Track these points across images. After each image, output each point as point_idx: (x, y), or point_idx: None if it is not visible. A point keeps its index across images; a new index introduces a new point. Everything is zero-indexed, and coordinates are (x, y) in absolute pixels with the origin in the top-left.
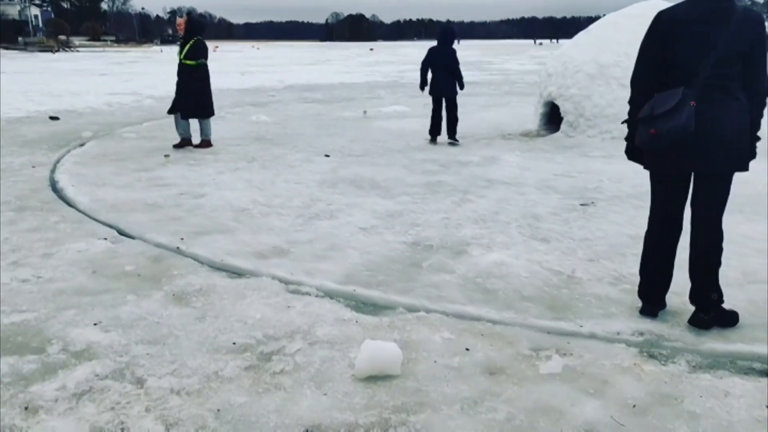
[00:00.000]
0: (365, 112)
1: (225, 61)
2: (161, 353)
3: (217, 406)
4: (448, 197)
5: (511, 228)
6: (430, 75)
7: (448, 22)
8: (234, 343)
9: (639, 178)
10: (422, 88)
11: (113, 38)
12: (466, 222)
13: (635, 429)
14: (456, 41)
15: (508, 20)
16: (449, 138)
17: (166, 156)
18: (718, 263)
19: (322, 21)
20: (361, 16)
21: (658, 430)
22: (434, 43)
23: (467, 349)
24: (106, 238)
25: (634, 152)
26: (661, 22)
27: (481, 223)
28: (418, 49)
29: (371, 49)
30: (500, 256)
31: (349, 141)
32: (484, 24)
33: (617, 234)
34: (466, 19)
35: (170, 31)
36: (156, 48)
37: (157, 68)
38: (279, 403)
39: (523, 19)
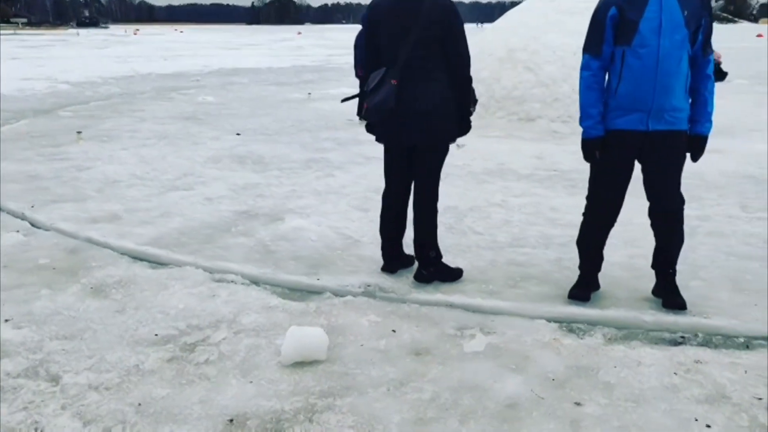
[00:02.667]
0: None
1: (146, 45)
2: (78, 348)
3: (137, 400)
4: (316, 172)
5: (345, 200)
6: None
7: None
8: (156, 335)
9: (508, 156)
10: (357, 71)
11: (24, 20)
12: (308, 194)
13: (554, 401)
14: None
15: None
16: None
17: (78, 133)
18: (434, 225)
19: (248, 4)
20: (288, 0)
21: (575, 400)
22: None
23: (394, 331)
24: (18, 231)
25: (368, 126)
26: (370, 9)
27: (323, 195)
28: (346, 32)
29: (298, 33)
30: (305, 222)
31: (273, 120)
32: None
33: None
34: None
35: (87, 14)
36: (72, 31)
37: (73, 52)
38: (203, 394)
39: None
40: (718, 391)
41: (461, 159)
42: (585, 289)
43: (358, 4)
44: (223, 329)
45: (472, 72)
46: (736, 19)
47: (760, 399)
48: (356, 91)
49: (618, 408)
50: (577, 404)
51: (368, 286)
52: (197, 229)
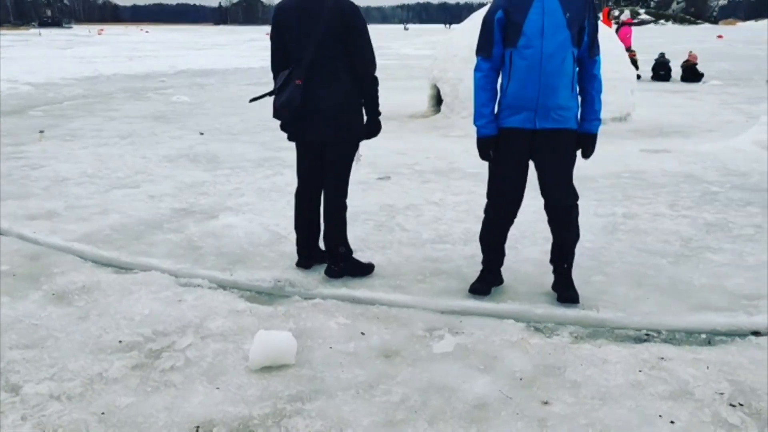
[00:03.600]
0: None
1: (111, 45)
2: (39, 357)
3: (101, 409)
4: (266, 171)
5: (286, 198)
6: None
7: None
8: (120, 342)
9: (461, 155)
10: None
11: None
12: (251, 192)
13: (522, 400)
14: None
15: (403, 5)
16: None
17: (41, 132)
18: (343, 221)
19: (215, 4)
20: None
21: (542, 399)
22: None
23: (362, 334)
24: None
25: (282, 126)
26: (276, 11)
27: (265, 193)
28: None
29: (267, 34)
30: (237, 219)
31: (240, 120)
32: (380, 9)
33: (372, 204)
34: (362, 4)
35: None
36: (34, 31)
37: (36, 52)
38: (169, 401)
39: (418, 4)
40: (681, 388)
41: (414, 158)
42: (485, 283)
43: None
44: (190, 334)
45: (440, 72)
46: (697, 20)
47: (722, 394)
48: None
49: (585, 406)
50: (545, 403)
51: (278, 281)
52: (130, 226)
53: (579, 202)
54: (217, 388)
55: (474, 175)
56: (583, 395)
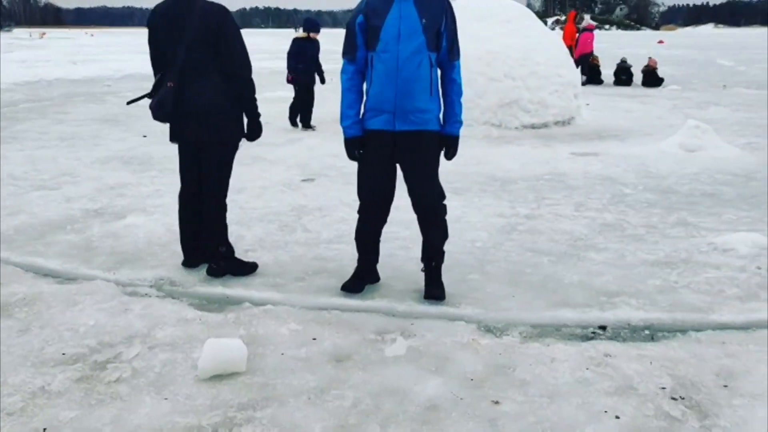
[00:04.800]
0: None
1: (54, 49)
2: None
3: (43, 424)
4: None
5: None
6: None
7: (295, 10)
8: (63, 354)
9: None
10: (290, 78)
11: None
12: (169, 194)
13: (473, 401)
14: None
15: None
16: (304, 125)
17: None
18: (222, 221)
19: None
20: None
21: (493, 399)
22: (291, 32)
23: (314, 339)
24: None
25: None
26: (150, 16)
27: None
28: (267, 37)
29: None
30: (142, 220)
31: None
32: (330, 13)
33: (285, 205)
34: (314, 8)
35: None
36: None
37: None
38: (115, 414)
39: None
40: (626, 383)
41: (344, 161)
42: (357, 281)
43: (276, 8)
44: (137, 345)
45: None
46: (639, 26)
47: (664, 388)
48: (291, 95)
49: (533, 404)
50: (495, 402)
51: (160, 279)
52: (34, 227)
53: (491, 202)
54: (166, 399)
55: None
56: (532, 394)
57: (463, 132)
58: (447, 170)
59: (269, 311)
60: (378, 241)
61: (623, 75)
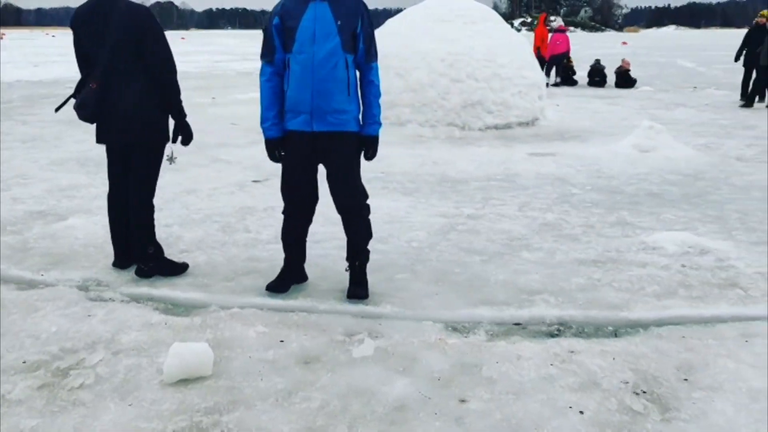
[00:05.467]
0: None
1: (14, 51)
2: None
3: None
4: (170, 173)
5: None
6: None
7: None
8: (24, 362)
9: (362, 160)
10: None
11: None
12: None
13: (440, 400)
14: None
15: None
16: None
17: None
18: (149, 222)
19: None
20: (170, 4)
21: (460, 398)
22: (259, 33)
23: (282, 341)
24: None
25: None
26: (73, 17)
27: None
28: (234, 38)
29: (182, 38)
30: (82, 221)
31: None
32: None
33: (231, 206)
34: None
35: None
36: None
37: None
38: (78, 421)
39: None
40: (590, 379)
41: None
42: (282, 281)
43: (244, 10)
44: (100, 350)
45: None
46: (603, 27)
47: (627, 383)
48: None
49: (500, 401)
50: (462, 401)
51: (87, 280)
52: None
53: (437, 203)
54: (130, 405)
55: (372, 180)
56: (499, 391)
57: (425, 133)
58: (402, 171)
59: (236, 314)
60: (304, 242)
61: (597, 76)
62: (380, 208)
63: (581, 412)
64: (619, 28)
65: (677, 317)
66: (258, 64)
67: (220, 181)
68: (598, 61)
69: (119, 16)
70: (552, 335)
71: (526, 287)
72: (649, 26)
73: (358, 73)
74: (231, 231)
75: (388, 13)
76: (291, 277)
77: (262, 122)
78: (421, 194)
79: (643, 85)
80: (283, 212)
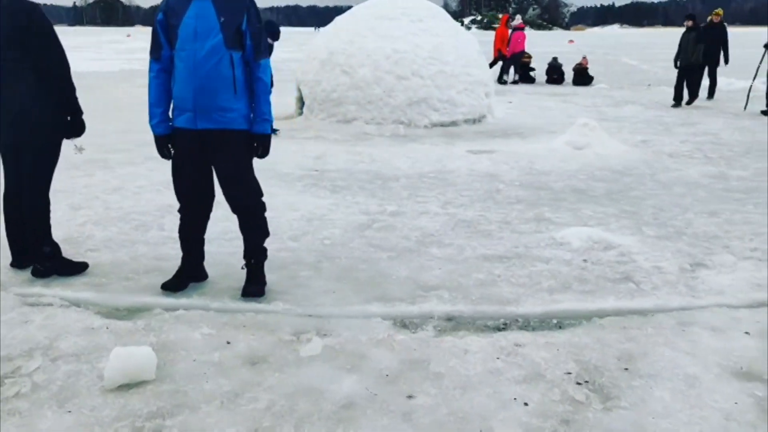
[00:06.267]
0: None
1: None
2: None
3: None
4: (80, 172)
5: (73, 198)
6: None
7: None
8: None
9: (290, 156)
10: None
11: None
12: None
13: (388, 396)
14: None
15: (273, 7)
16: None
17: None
18: (43, 221)
19: (69, 4)
20: (115, 0)
21: (407, 394)
22: None
23: (228, 343)
24: None
25: None
26: None
27: (61, 194)
28: None
29: (128, 35)
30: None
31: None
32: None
33: (158, 205)
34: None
35: None
36: None
37: None
38: (13, 431)
39: (288, 6)
40: (534, 371)
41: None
42: (177, 280)
43: None
44: (38, 357)
45: (302, 75)
46: (550, 26)
47: (570, 374)
48: None
49: (447, 396)
50: (410, 397)
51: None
52: None
53: (362, 200)
54: (69, 412)
55: (285, 176)
56: (446, 386)
57: (370, 130)
58: (337, 168)
59: (181, 316)
60: (202, 240)
61: (554, 74)
62: (303, 206)
63: (526, 404)
64: (567, 27)
65: (563, 311)
66: None
67: (149, 179)
68: (555, 59)
69: (4, 13)
70: (499, 329)
71: (425, 283)
72: (594, 24)
73: (246, 71)
74: (145, 229)
75: (339, 11)
76: (188, 275)
77: (150, 119)
78: (349, 192)
79: (601, 83)
80: (179, 211)
